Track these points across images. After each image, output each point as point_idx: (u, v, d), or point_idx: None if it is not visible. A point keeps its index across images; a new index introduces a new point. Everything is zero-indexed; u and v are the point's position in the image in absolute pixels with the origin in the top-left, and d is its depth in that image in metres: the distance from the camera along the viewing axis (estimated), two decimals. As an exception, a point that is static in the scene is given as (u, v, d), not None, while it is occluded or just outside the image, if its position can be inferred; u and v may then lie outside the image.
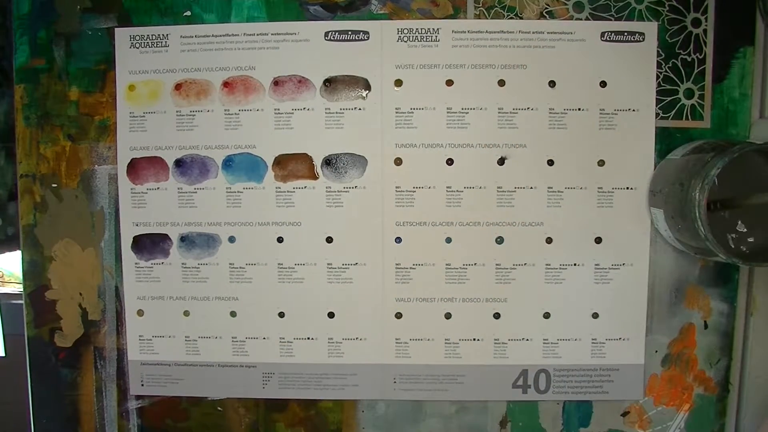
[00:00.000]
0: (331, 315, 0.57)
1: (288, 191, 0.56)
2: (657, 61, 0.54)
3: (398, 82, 0.55)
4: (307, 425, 0.58)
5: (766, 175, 0.48)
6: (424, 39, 0.54)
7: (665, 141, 0.54)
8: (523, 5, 0.54)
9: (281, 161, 0.55)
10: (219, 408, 0.58)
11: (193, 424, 0.59)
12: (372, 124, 0.55)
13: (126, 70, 0.56)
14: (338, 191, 0.55)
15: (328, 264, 0.56)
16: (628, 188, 0.55)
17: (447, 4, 0.54)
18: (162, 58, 0.55)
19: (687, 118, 0.54)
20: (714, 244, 0.44)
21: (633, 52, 0.54)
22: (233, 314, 0.57)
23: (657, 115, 0.54)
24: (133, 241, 0.57)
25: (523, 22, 0.54)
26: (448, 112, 0.55)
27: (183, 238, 0.57)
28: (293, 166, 0.55)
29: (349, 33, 0.54)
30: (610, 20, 0.54)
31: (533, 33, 0.54)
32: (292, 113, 0.55)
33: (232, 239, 0.56)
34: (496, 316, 0.56)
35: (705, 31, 0.54)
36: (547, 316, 0.56)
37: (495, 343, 0.56)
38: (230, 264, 0.57)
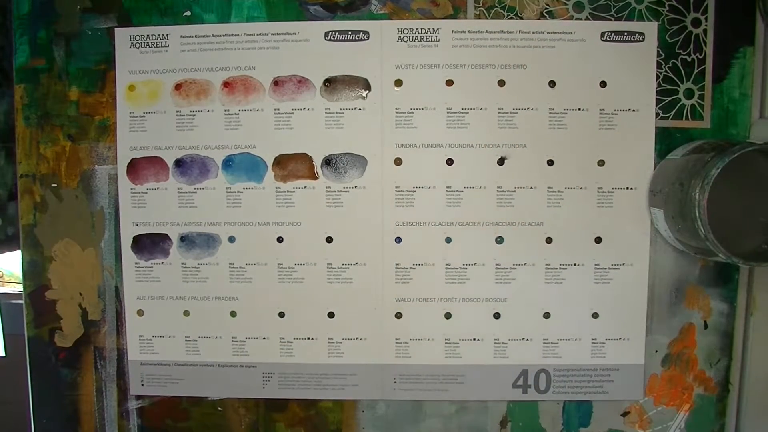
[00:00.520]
0: (331, 315, 0.57)
1: (288, 191, 0.56)
2: (657, 61, 0.54)
3: (398, 82, 0.55)
4: (307, 425, 0.58)
5: (766, 175, 0.48)
6: (424, 39, 0.54)
7: (665, 141, 0.54)
8: (523, 5, 0.54)
9: (281, 161, 0.55)
10: (219, 408, 0.58)
11: (193, 424, 0.59)
12: (372, 124, 0.55)
13: (126, 70, 0.56)
14: (338, 191, 0.55)
15: (328, 264, 0.56)
16: (628, 188, 0.55)
17: (447, 4, 0.54)
18: (162, 58, 0.55)
19: (687, 118, 0.54)
20: (714, 244, 0.44)
21: (633, 52, 0.54)
22: (233, 314, 0.57)
23: (657, 115, 0.54)
24: (133, 241, 0.57)
25: (523, 22, 0.54)
26: (448, 112, 0.55)
27: (183, 238, 0.57)
28: (293, 166, 0.55)
29: (349, 33, 0.54)
30: (610, 20, 0.54)
31: (533, 33, 0.54)
32: (292, 113, 0.55)
33: (232, 239, 0.56)
34: (496, 316, 0.56)
35: (705, 31, 0.54)
36: (547, 316, 0.56)
37: (495, 343, 0.56)
38: (230, 264, 0.57)
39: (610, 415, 0.57)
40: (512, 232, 0.55)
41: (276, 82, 0.55)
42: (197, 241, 0.56)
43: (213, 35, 0.55)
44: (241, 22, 0.55)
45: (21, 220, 0.57)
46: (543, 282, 0.56)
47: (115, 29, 0.55)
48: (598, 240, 0.55)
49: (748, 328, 0.56)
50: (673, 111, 0.54)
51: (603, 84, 0.54)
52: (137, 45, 0.55)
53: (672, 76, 0.54)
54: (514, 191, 0.55)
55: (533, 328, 0.56)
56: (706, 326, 0.56)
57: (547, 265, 0.56)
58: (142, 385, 0.58)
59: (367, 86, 0.55)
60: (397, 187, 0.55)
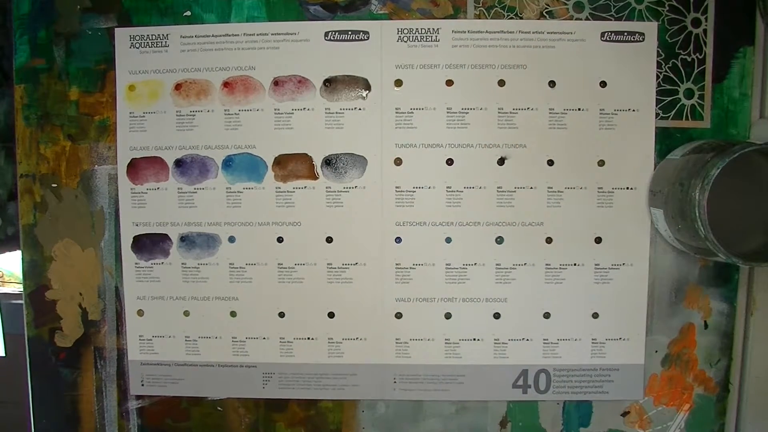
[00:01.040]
0: (331, 315, 0.57)
1: (288, 191, 0.56)
2: (657, 61, 0.54)
3: (398, 82, 0.55)
4: (307, 425, 0.58)
5: (766, 175, 0.48)
6: (424, 39, 0.54)
7: (665, 141, 0.54)
8: (523, 5, 0.54)
9: (281, 161, 0.55)
10: (219, 408, 0.58)
11: (193, 424, 0.59)
12: (372, 124, 0.55)
13: (126, 70, 0.56)
14: (338, 191, 0.55)
15: (328, 264, 0.56)
16: (628, 188, 0.55)
17: (447, 4, 0.54)
18: (162, 58, 0.55)
19: (687, 118, 0.54)
20: (714, 244, 0.44)
21: (633, 52, 0.54)
22: (233, 314, 0.57)
23: (657, 115, 0.54)
24: (133, 241, 0.57)
25: (523, 22, 0.54)
26: (448, 112, 0.55)
27: (183, 238, 0.57)
28: (293, 166, 0.55)
29: (349, 33, 0.54)
30: (610, 20, 0.54)
31: (533, 33, 0.54)
32: (292, 113, 0.55)
33: (232, 239, 0.56)
34: (496, 316, 0.56)
35: (705, 31, 0.54)
36: (547, 316, 0.56)
37: (495, 343, 0.56)
38: (230, 264, 0.57)
39: (610, 415, 0.57)
40: (512, 232, 0.55)
41: (276, 82, 0.55)
42: (197, 241, 0.56)
43: (213, 35, 0.55)
44: (241, 22, 0.55)
45: (21, 220, 0.57)
46: (543, 282, 0.56)
47: (115, 29, 0.55)
48: (598, 240, 0.55)
49: (748, 328, 0.56)
50: (673, 111, 0.54)
51: (603, 84, 0.54)
52: (137, 45, 0.55)
53: (672, 76, 0.54)
54: (514, 191, 0.55)
55: (533, 328, 0.56)
56: (706, 326, 0.56)
57: (547, 265, 0.55)
58: (142, 385, 0.58)
59: (367, 86, 0.55)
60: (397, 187, 0.55)
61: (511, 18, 0.54)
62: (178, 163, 0.56)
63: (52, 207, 0.57)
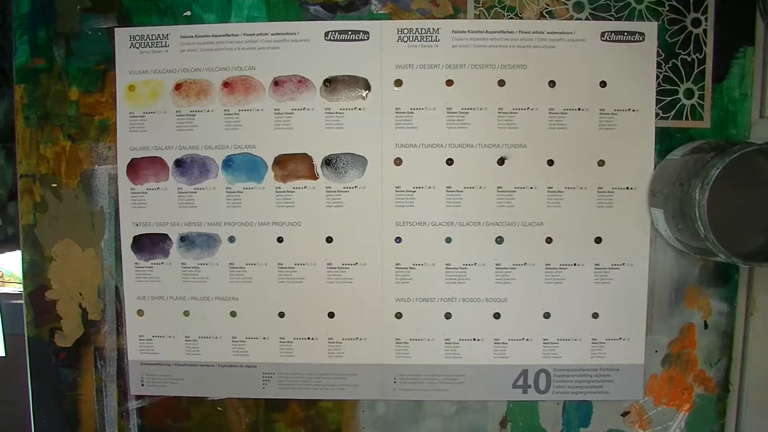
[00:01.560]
0: (331, 315, 0.57)
1: (288, 191, 0.56)
2: (657, 61, 0.54)
3: (398, 82, 0.55)
4: (307, 425, 0.58)
5: (766, 175, 0.48)
6: (424, 39, 0.54)
7: (665, 141, 0.54)
8: (523, 5, 0.54)
9: (281, 161, 0.55)
10: (219, 408, 0.58)
11: (193, 424, 0.59)
12: (372, 124, 0.55)
13: (126, 70, 0.56)
14: (338, 191, 0.55)
15: (328, 264, 0.56)
16: (628, 188, 0.55)
17: (447, 4, 0.54)
18: (162, 58, 0.55)
19: (687, 118, 0.54)
20: (714, 244, 0.44)
21: (633, 52, 0.54)
22: (233, 314, 0.57)
23: (657, 115, 0.54)
24: (133, 241, 0.57)
25: (523, 22, 0.54)
26: (448, 112, 0.55)
27: (183, 238, 0.57)
28: (293, 166, 0.55)
29: (349, 33, 0.54)
30: (610, 20, 0.54)
31: (533, 33, 0.54)
32: (292, 113, 0.55)
33: (232, 239, 0.56)
34: (496, 316, 0.56)
35: (705, 31, 0.54)
36: (547, 316, 0.56)
37: (495, 343, 0.56)
38: (230, 264, 0.57)
39: (610, 415, 0.57)
40: (512, 232, 0.55)
41: (276, 82, 0.55)
42: (197, 241, 0.56)
43: (213, 35, 0.55)
44: (241, 22, 0.55)
45: (21, 220, 0.57)
46: (543, 282, 0.56)
47: (115, 29, 0.55)
48: (598, 240, 0.55)
49: (748, 328, 0.56)
50: (673, 111, 0.54)
51: (603, 84, 0.54)
52: (137, 45, 0.55)
53: (672, 76, 0.54)
54: (514, 191, 0.55)
55: (533, 328, 0.56)
56: (706, 326, 0.56)
57: (547, 265, 0.55)
58: (142, 385, 0.58)
59: (367, 86, 0.55)
60: (397, 187, 0.55)
61: (511, 18, 0.54)
62: (178, 163, 0.56)
63: (52, 207, 0.57)
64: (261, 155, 0.55)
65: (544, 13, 0.54)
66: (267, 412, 0.58)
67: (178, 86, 0.55)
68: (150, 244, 0.57)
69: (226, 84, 0.55)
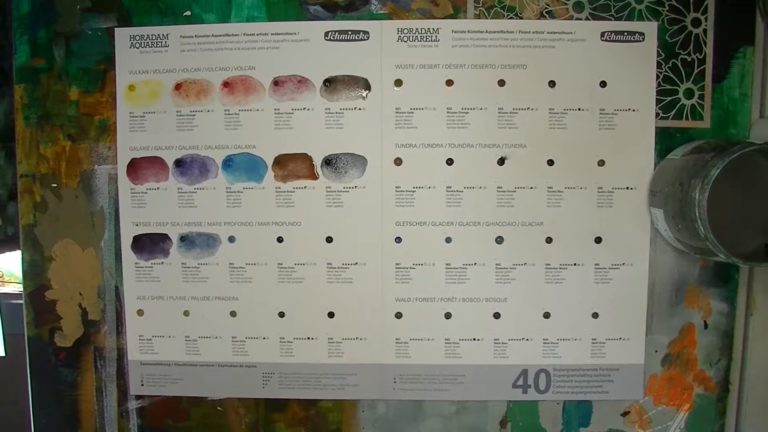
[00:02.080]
0: (331, 315, 0.57)
1: (288, 191, 0.56)
2: (657, 61, 0.54)
3: (398, 82, 0.55)
4: (307, 425, 0.58)
5: (766, 175, 0.48)
6: (424, 39, 0.54)
7: (665, 141, 0.54)
8: (523, 5, 0.54)
9: (281, 161, 0.55)
10: (219, 408, 0.58)
11: (193, 424, 0.59)
12: (372, 124, 0.55)
13: (126, 70, 0.56)
14: (338, 191, 0.55)
15: (328, 264, 0.56)
16: (628, 188, 0.55)
17: (447, 4, 0.54)
18: (162, 58, 0.55)
19: (687, 118, 0.54)
20: (714, 244, 0.44)
21: (633, 52, 0.54)
22: (233, 314, 0.57)
23: (657, 115, 0.54)
24: (133, 241, 0.57)
25: (523, 22, 0.54)
26: (448, 112, 0.55)
27: (183, 238, 0.57)
28: (293, 166, 0.55)
29: (349, 33, 0.54)
30: (610, 20, 0.54)
31: (533, 33, 0.54)
32: (292, 113, 0.55)
33: (232, 239, 0.56)
34: (496, 316, 0.56)
35: (705, 31, 0.54)
36: (547, 316, 0.56)
37: (495, 343, 0.56)
38: (230, 264, 0.57)
39: (610, 415, 0.57)
40: (512, 232, 0.55)
41: (276, 82, 0.55)
42: (197, 241, 0.56)
43: (213, 35, 0.55)
44: (241, 22, 0.55)
45: (21, 220, 0.57)
46: (543, 282, 0.56)
47: (115, 29, 0.55)
48: (598, 240, 0.55)
49: (747, 328, 0.56)
50: (673, 111, 0.54)
51: (603, 84, 0.54)
52: (137, 45, 0.55)
53: (672, 76, 0.54)
54: (514, 191, 0.55)
55: (533, 328, 0.56)
56: (706, 326, 0.56)
57: (547, 265, 0.56)
58: (142, 385, 0.58)
59: (367, 86, 0.55)
60: (397, 187, 0.55)
61: (511, 18, 0.54)
62: (178, 163, 0.56)
63: (52, 207, 0.57)
64: (261, 155, 0.55)
65: (544, 13, 0.54)
66: (267, 412, 0.58)
67: (178, 86, 0.55)
68: (150, 244, 0.57)
69: (226, 84, 0.55)
